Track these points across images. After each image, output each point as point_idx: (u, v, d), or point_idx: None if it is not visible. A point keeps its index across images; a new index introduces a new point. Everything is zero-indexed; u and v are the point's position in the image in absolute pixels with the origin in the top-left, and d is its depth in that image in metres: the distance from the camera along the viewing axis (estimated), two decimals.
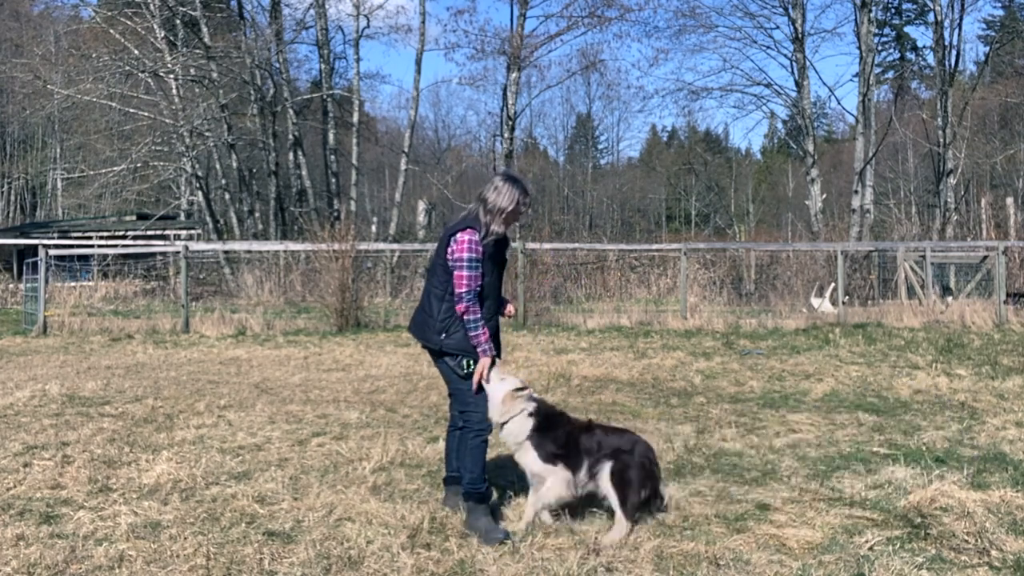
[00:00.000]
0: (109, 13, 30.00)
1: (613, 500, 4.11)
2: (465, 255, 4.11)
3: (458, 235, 4.16)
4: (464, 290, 4.10)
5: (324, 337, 13.97)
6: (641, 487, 4.13)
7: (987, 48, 44.19)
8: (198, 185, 29.53)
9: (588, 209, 60.90)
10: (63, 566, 3.69)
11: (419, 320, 4.35)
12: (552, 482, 4.15)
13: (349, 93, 33.33)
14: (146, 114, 28.58)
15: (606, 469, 4.15)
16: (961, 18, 30.75)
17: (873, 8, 30.57)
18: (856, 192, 30.09)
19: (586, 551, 3.85)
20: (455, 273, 4.13)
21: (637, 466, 4.16)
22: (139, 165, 29.16)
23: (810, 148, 31.31)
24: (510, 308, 4.58)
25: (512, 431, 4.20)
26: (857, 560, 3.73)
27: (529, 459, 4.21)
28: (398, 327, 14.86)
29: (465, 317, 4.14)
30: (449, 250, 4.17)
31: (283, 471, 5.27)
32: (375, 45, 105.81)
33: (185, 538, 4.01)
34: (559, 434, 4.22)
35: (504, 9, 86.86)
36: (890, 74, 46.09)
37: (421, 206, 29.53)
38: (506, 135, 29.80)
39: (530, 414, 4.20)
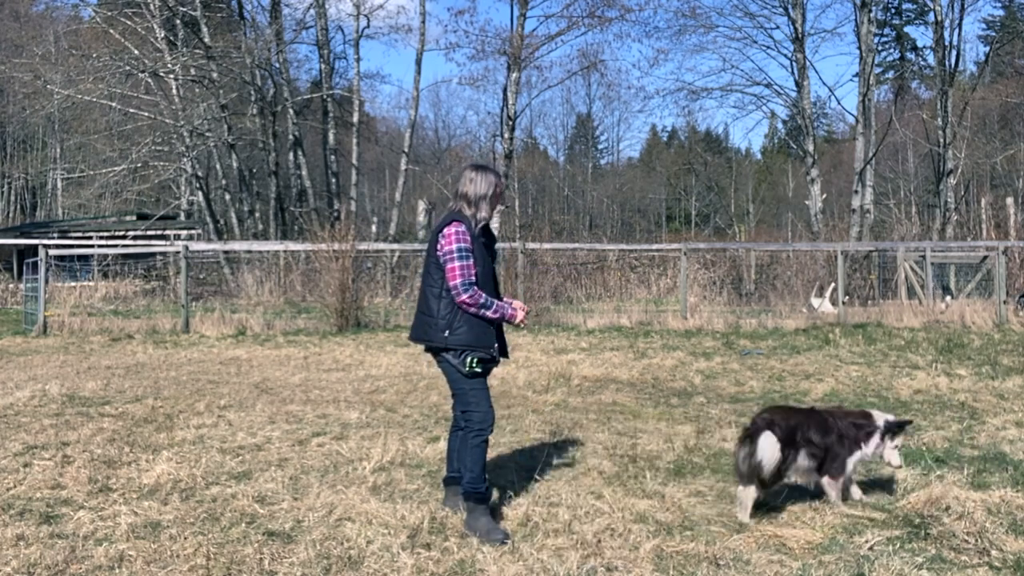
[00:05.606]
0: (109, 13, 29.97)
1: None
2: (454, 245, 4.13)
3: (445, 229, 4.19)
4: (458, 280, 4.10)
5: (324, 337, 13.97)
6: None
7: (987, 48, 44.25)
8: (198, 185, 29.52)
9: (588, 209, 60.92)
10: (63, 566, 3.69)
11: (419, 323, 4.32)
12: None
13: (349, 93, 33.33)
14: (146, 114, 28.58)
15: None
16: (961, 18, 30.82)
17: (873, 8, 30.58)
18: (856, 192, 30.10)
19: (586, 551, 3.85)
20: (447, 267, 4.13)
21: None
22: (139, 165, 29.16)
23: (810, 148, 31.32)
24: (519, 309, 4.29)
25: None
26: (857, 560, 3.73)
27: None
28: (398, 327, 14.86)
29: (471, 310, 4.12)
30: (439, 246, 4.19)
31: (283, 471, 5.27)
32: (375, 45, 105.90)
33: (185, 538, 4.01)
34: None
35: (504, 9, 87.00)
36: (890, 74, 46.09)
37: (421, 206, 29.46)
38: (506, 135, 29.78)
39: None
